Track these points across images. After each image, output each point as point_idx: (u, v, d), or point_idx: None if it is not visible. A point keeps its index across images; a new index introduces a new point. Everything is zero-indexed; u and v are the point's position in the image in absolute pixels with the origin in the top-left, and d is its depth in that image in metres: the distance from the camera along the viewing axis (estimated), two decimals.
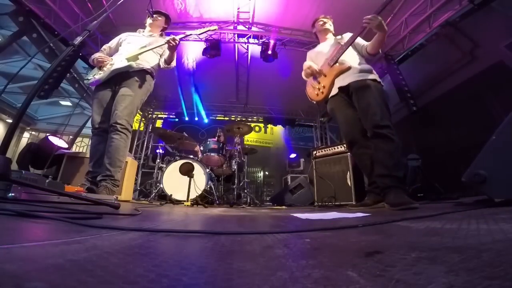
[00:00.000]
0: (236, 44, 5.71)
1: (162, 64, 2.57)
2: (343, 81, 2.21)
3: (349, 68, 2.20)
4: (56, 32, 4.36)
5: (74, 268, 0.33)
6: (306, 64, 2.42)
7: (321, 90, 2.28)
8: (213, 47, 5.16)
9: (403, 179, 1.86)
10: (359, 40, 2.37)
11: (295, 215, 1.56)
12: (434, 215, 1.07)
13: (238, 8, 4.89)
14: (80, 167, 3.16)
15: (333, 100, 2.29)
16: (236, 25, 5.25)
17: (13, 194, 1.05)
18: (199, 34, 2.63)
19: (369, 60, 2.41)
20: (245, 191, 4.82)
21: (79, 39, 1.56)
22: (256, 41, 5.30)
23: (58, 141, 3.95)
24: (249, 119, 8.65)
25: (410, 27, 4.77)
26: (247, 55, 6.04)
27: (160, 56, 2.60)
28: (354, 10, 4.63)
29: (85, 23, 3.62)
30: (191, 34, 2.54)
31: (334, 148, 4.09)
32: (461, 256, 0.39)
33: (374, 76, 2.23)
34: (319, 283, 0.30)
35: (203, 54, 5.39)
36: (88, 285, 0.27)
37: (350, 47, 2.28)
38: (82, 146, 10.06)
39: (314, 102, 2.44)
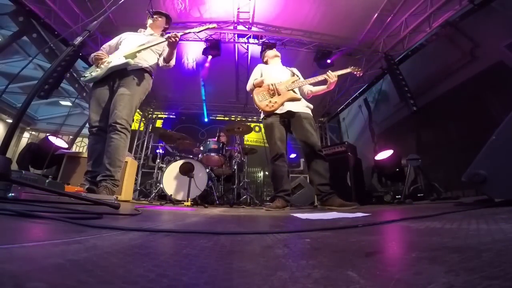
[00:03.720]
0: (236, 44, 5.72)
1: (161, 63, 2.51)
2: (294, 107, 2.73)
3: (299, 99, 2.80)
4: (56, 32, 4.35)
5: (74, 268, 0.33)
6: (267, 81, 2.83)
7: (271, 104, 2.71)
8: (213, 47, 5.16)
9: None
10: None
11: (295, 215, 1.56)
12: (434, 215, 1.07)
13: (238, 8, 4.89)
14: (80, 167, 3.16)
15: (275, 117, 2.74)
16: (236, 25, 5.25)
17: (13, 194, 1.05)
18: (198, 32, 2.61)
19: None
20: (245, 191, 4.82)
21: (79, 39, 1.56)
22: (256, 41, 5.30)
23: (58, 141, 3.95)
24: (249, 119, 8.64)
25: (410, 27, 4.77)
26: (247, 55, 6.04)
27: (160, 55, 2.56)
28: (353, 9, 4.64)
29: (85, 23, 3.62)
30: (190, 32, 2.51)
31: (334, 148, 4.10)
32: (461, 256, 0.39)
33: (310, 111, 2.86)
34: (319, 283, 0.30)
35: (203, 54, 5.39)
36: (88, 285, 0.27)
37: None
38: (82, 146, 10.04)
39: (260, 110, 2.83)
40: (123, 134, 2.18)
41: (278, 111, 2.72)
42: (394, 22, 4.88)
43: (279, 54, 3.20)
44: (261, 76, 2.94)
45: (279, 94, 2.74)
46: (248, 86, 2.96)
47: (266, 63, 3.23)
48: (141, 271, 0.34)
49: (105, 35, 4.86)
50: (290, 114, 2.72)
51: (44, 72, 1.44)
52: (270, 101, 2.71)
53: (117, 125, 2.15)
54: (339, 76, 2.81)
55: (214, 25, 2.71)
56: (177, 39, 2.33)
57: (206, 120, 8.12)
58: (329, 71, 2.80)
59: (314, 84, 2.97)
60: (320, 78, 2.83)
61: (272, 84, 2.76)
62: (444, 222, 0.85)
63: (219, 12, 5.01)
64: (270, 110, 2.70)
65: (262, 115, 2.88)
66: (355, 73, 2.94)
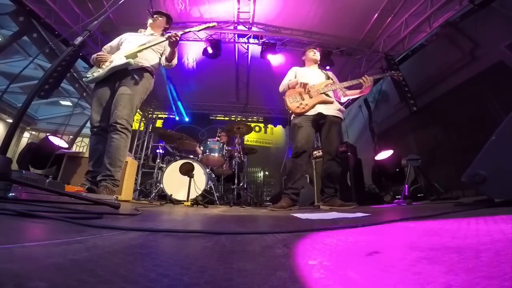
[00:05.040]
0: (236, 44, 5.72)
1: (163, 63, 2.52)
2: (326, 110, 2.74)
3: (332, 102, 2.80)
4: (56, 32, 4.36)
5: (75, 268, 0.33)
6: (301, 80, 2.81)
7: (302, 106, 2.74)
8: (214, 47, 5.17)
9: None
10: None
11: (295, 215, 1.56)
12: (434, 215, 1.07)
13: (238, 8, 4.89)
14: (80, 167, 3.16)
15: (304, 117, 2.75)
16: (236, 25, 5.26)
17: (13, 194, 1.05)
18: (198, 31, 2.62)
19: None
20: (245, 191, 4.82)
21: (79, 39, 1.56)
22: (256, 41, 5.30)
23: (58, 141, 3.95)
24: (249, 119, 8.65)
25: (411, 27, 4.78)
26: (247, 55, 6.04)
27: (161, 55, 2.57)
28: (354, 9, 4.64)
29: (85, 23, 3.62)
30: (190, 31, 2.52)
31: None
32: (460, 256, 0.39)
33: (341, 115, 2.89)
34: (319, 282, 0.30)
35: (203, 54, 5.39)
36: (89, 285, 0.28)
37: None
38: (82, 146, 10.05)
39: (290, 111, 2.85)
40: (123, 134, 2.18)
41: (308, 113, 2.74)
42: (394, 22, 4.88)
43: (318, 58, 3.17)
44: (295, 78, 2.95)
45: (310, 97, 2.75)
46: (282, 87, 2.97)
47: (303, 62, 3.22)
48: (141, 270, 0.34)
49: (106, 35, 4.87)
50: (321, 116, 2.74)
51: (45, 72, 1.44)
52: (301, 103, 2.74)
53: (118, 125, 2.15)
54: (375, 80, 2.86)
55: (214, 23, 2.71)
56: (178, 38, 2.33)
57: (186, 119, 8.16)
58: (365, 75, 2.84)
59: (349, 88, 2.99)
60: (355, 82, 2.87)
61: (303, 84, 2.76)
62: (443, 222, 0.86)
63: (219, 12, 5.01)
64: (300, 112, 2.73)
65: (292, 115, 2.90)
66: (395, 77, 3.11)
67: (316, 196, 3.71)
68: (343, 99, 3.00)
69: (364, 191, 4.16)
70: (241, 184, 4.83)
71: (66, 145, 4.11)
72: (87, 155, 3.05)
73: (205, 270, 0.36)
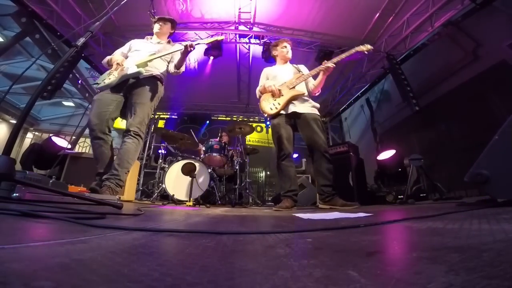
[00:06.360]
0: (238, 44, 5.72)
1: (171, 70, 2.59)
2: (299, 108, 2.70)
3: (303, 94, 2.74)
4: (58, 33, 4.38)
5: (80, 267, 0.34)
6: (267, 83, 2.80)
7: (275, 106, 2.68)
8: (215, 48, 5.18)
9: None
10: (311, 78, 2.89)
11: (297, 215, 1.56)
12: (436, 215, 1.07)
13: (239, 9, 4.90)
14: (83, 167, 3.18)
15: (281, 118, 2.73)
16: (237, 25, 5.26)
17: (17, 194, 1.05)
18: (207, 43, 2.73)
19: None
20: (247, 191, 4.82)
21: (81, 40, 1.57)
22: (258, 41, 5.30)
23: (61, 142, 3.96)
24: (251, 119, 8.66)
25: (412, 27, 4.76)
26: (249, 55, 6.05)
27: (168, 62, 2.65)
28: (355, 9, 4.63)
29: (87, 24, 3.64)
30: (198, 43, 2.59)
31: (336, 148, 4.09)
32: (461, 256, 0.39)
33: (317, 111, 2.82)
34: (320, 282, 0.30)
35: (204, 55, 5.40)
36: (94, 284, 0.28)
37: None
38: (85, 146, 10.09)
39: (266, 116, 2.82)
40: (135, 139, 2.31)
41: (283, 112, 2.71)
42: (396, 22, 4.87)
43: (290, 56, 3.07)
44: (267, 79, 2.92)
45: (282, 95, 2.72)
46: (257, 93, 2.95)
47: (275, 58, 3.15)
48: (145, 270, 0.34)
49: (107, 36, 4.88)
50: (296, 115, 2.71)
51: (47, 73, 1.45)
52: (273, 104, 2.70)
53: (131, 132, 2.29)
54: (350, 58, 2.82)
55: (222, 37, 2.84)
56: (193, 48, 2.43)
57: None
58: (325, 60, 2.77)
59: (315, 76, 2.89)
60: (323, 68, 2.73)
61: (273, 85, 2.74)
62: (446, 222, 0.85)
63: (220, 13, 5.02)
64: (274, 113, 2.69)
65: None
66: (366, 51, 2.80)
67: (317, 196, 3.70)
68: (316, 92, 2.91)
69: (366, 191, 4.15)
70: (242, 184, 4.83)
71: (69, 146, 4.13)
72: (90, 155, 3.07)
73: (207, 270, 0.36)
